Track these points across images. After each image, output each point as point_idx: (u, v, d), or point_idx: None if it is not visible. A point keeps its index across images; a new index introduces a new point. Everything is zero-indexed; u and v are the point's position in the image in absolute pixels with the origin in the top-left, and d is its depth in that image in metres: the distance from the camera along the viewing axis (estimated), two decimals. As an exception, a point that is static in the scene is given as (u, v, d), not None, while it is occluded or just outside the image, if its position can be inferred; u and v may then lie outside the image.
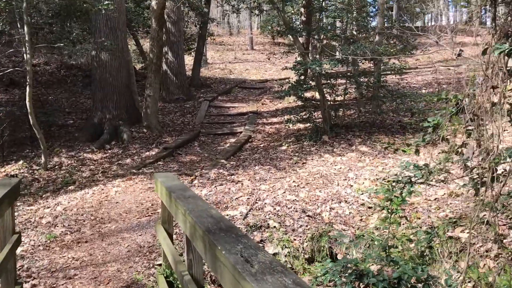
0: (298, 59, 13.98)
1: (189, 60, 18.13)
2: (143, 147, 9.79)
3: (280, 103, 14.22)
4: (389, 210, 2.98)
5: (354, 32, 12.14)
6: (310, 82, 10.10)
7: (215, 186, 6.91)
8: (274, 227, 5.34)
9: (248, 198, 6.21)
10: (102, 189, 7.00)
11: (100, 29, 10.35)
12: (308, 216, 5.62)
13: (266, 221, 5.44)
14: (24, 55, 8.11)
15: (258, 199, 6.14)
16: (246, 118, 12.65)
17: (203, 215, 2.14)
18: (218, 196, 6.39)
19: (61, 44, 8.45)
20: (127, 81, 11.00)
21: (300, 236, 5.23)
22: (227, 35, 32.12)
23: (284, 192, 6.40)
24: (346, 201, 6.08)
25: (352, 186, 6.63)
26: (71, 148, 9.61)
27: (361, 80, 9.67)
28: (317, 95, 10.94)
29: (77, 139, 10.09)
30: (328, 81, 10.07)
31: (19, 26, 8.56)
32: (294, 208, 5.79)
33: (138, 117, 10.98)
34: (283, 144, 9.49)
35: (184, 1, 13.18)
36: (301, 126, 10.63)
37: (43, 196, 6.94)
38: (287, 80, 16.34)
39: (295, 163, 8.02)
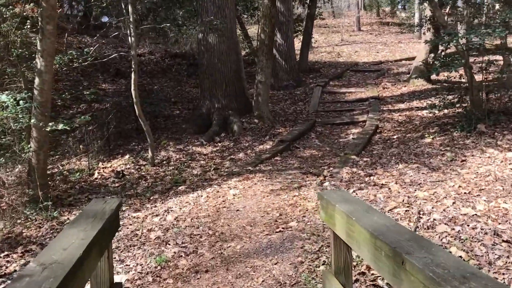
0: (427, 34, 11.94)
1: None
2: (255, 139, 8.62)
3: (405, 86, 12.30)
4: None
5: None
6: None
7: (354, 191, 5.46)
8: (460, 257, 3.76)
9: (406, 211, 4.67)
10: (218, 191, 5.88)
11: (207, 8, 9.29)
12: (505, 241, 3.95)
13: (445, 247, 3.88)
14: (129, 38, 7.29)
15: (421, 212, 4.57)
16: (367, 105, 10.97)
17: None
18: (363, 205, 4.92)
19: (167, 24, 7.47)
20: (236, 66, 9.87)
21: (503, 274, 3.60)
22: (329, 18, 30.22)
23: (455, 203, 4.74)
24: (552, 219, 4.28)
25: (550, 195, 4.78)
26: (179, 140, 8.74)
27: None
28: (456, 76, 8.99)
29: (185, 131, 9.22)
30: (476, 57, 8.13)
31: (124, 12, 7.77)
32: (481, 229, 4.13)
33: (248, 106, 9.84)
34: (425, 135, 7.71)
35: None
36: (439, 113, 8.73)
37: (151, 198, 6.00)
38: (412, 60, 14.27)
39: (451, 161, 6.25)
